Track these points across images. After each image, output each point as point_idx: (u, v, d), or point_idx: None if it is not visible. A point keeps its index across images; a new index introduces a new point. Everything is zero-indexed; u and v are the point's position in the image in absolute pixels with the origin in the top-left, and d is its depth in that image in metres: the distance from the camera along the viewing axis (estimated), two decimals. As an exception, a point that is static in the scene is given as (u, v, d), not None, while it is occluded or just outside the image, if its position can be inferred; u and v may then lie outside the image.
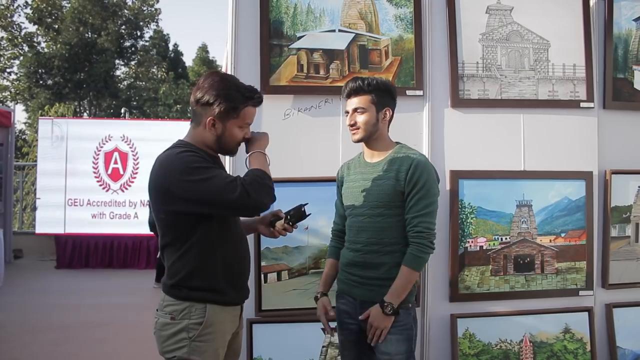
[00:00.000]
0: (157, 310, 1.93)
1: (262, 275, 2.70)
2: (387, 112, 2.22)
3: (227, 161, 2.62)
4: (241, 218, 2.11)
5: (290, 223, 2.14)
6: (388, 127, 2.26)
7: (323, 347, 2.70)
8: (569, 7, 3.00)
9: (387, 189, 2.14)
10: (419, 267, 2.12)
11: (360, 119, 2.18)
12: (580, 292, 2.96)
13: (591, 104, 2.98)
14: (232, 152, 2.02)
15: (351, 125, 2.21)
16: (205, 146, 1.95)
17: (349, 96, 2.21)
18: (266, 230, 2.20)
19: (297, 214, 2.14)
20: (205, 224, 1.87)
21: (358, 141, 2.23)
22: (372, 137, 2.21)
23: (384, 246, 2.15)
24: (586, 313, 2.96)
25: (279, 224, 2.14)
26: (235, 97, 1.88)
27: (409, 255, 2.09)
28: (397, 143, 2.27)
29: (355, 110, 2.19)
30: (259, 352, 2.70)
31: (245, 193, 1.78)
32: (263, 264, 2.70)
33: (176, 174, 1.81)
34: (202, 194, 1.79)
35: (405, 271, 2.09)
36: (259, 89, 2.66)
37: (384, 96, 2.20)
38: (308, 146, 2.77)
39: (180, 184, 1.80)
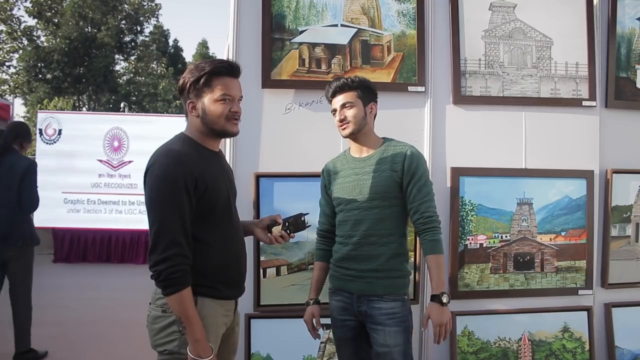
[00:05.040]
0: (149, 303, 1.91)
1: (261, 270, 2.69)
2: (373, 107, 2.29)
3: (227, 153, 2.60)
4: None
5: (288, 231, 2.10)
6: (373, 122, 2.31)
7: (321, 342, 2.70)
8: (572, 5, 2.99)
9: (383, 181, 2.17)
10: (441, 249, 2.15)
11: (350, 113, 2.22)
12: (580, 291, 2.96)
13: (593, 103, 2.97)
14: (225, 131, 1.93)
15: (341, 121, 2.25)
16: (202, 136, 1.92)
17: (334, 95, 2.27)
18: (262, 235, 2.15)
19: (296, 223, 2.11)
20: (201, 220, 1.85)
21: (349, 135, 2.26)
22: (361, 132, 2.25)
23: (380, 237, 2.17)
24: (585, 312, 2.95)
25: (276, 230, 2.10)
26: (200, 70, 1.87)
27: (429, 243, 2.13)
28: (384, 138, 2.31)
29: (343, 105, 2.24)
30: (257, 347, 2.68)
31: (161, 267, 1.74)
32: (262, 258, 2.69)
33: (152, 178, 1.80)
34: (150, 212, 1.79)
35: (434, 259, 2.12)
36: (260, 83, 2.67)
37: (368, 92, 2.27)
38: (309, 141, 2.76)
39: (149, 192, 1.80)
